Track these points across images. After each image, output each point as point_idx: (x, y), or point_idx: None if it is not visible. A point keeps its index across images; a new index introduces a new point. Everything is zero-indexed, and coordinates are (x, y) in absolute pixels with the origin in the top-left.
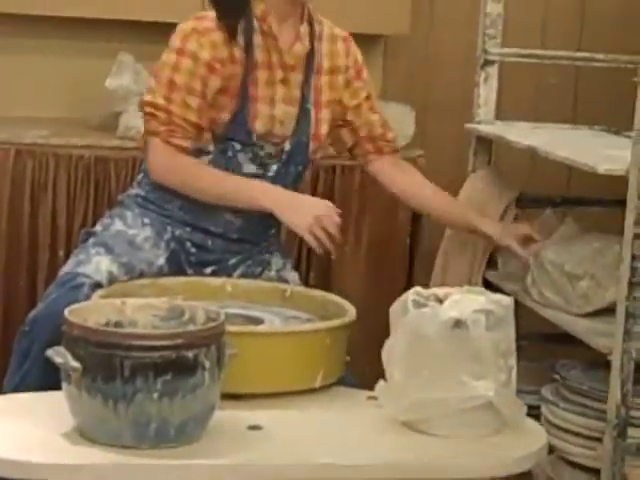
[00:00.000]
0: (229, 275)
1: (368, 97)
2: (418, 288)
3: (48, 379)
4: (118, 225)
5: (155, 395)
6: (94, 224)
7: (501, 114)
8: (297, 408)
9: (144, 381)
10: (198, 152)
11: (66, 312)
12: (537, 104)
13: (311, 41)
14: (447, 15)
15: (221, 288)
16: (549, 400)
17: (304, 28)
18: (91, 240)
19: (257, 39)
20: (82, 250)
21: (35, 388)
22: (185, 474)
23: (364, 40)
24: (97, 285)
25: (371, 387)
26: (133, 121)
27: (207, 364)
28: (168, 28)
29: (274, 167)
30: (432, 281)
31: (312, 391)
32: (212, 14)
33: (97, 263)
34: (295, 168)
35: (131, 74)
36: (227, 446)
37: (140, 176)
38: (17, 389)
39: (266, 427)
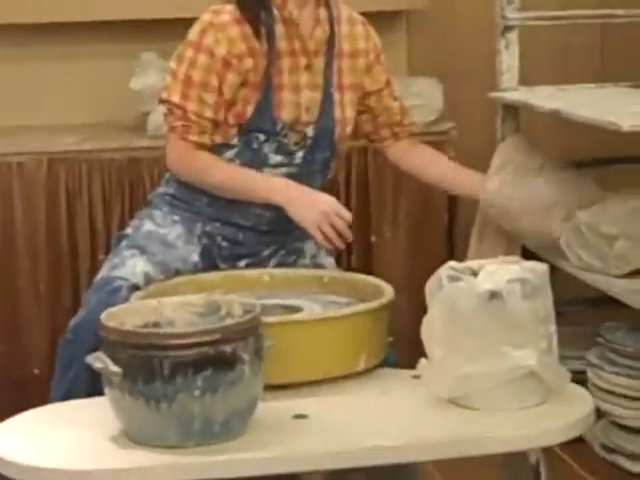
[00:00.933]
0: (264, 266)
1: (388, 82)
2: (452, 262)
3: (96, 385)
4: (148, 225)
5: (196, 392)
6: None
7: (528, 80)
8: (342, 393)
9: (184, 379)
10: (224, 147)
11: (103, 317)
12: (564, 67)
13: (330, 25)
14: None
15: (258, 279)
16: (594, 364)
17: (323, 12)
18: (124, 243)
19: (279, 28)
20: (116, 253)
21: (83, 395)
22: (233, 469)
23: (386, 17)
24: (134, 287)
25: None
26: (162, 119)
27: (246, 357)
28: (190, 24)
29: (299, 154)
30: (468, 254)
31: (356, 375)
32: (229, 7)
33: (132, 265)
34: (321, 155)
35: (156, 72)
36: (274, 437)
37: (168, 174)
38: (65, 398)
39: (312, 415)
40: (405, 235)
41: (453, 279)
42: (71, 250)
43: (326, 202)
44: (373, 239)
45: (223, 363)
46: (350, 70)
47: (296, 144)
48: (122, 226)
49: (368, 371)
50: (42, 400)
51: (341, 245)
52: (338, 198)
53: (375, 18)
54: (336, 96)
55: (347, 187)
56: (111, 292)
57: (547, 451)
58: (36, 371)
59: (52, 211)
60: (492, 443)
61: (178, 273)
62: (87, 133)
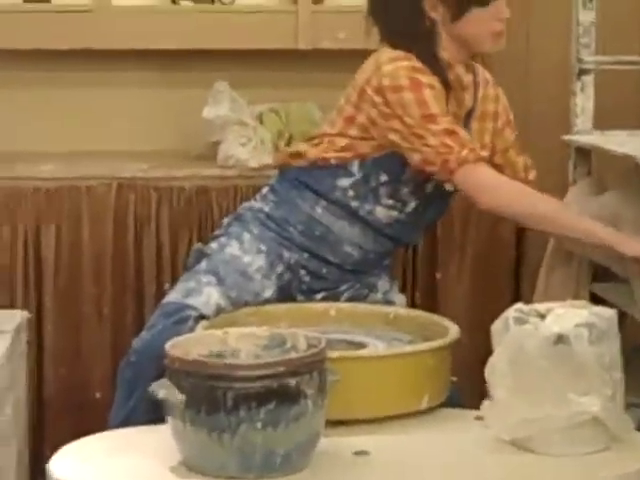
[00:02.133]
0: (337, 299)
1: (515, 140)
2: (519, 304)
3: (157, 410)
4: (234, 248)
5: (259, 425)
6: None
7: (603, 124)
8: (403, 432)
9: (247, 411)
10: (340, 171)
11: (168, 346)
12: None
13: (474, 90)
14: (543, 28)
15: (325, 313)
16: None
17: (468, 77)
18: (203, 264)
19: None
20: (192, 276)
21: (143, 420)
22: None
23: None
24: (202, 317)
25: (480, 407)
26: (232, 149)
27: (310, 391)
28: (262, 55)
29: (412, 204)
30: (535, 296)
31: (418, 414)
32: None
33: (207, 295)
34: (433, 211)
35: (228, 102)
36: (334, 473)
37: (266, 190)
38: (125, 422)
39: (373, 452)
40: (471, 272)
41: (520, 321)
42: (137, 276)
43: None
44: (438, 276)
45: (287, 397)
46: (478, 132)
47: (412, 194)
48: (189, 255)
49: (431, 410)
50: (102, 425)
51: None
52: None
53: None
54: None
55: None
56: (180, 321)
57: None
58: (97, 395)
59: (120, 236)
60: None
61: (246, 304)
62: (157, 160)
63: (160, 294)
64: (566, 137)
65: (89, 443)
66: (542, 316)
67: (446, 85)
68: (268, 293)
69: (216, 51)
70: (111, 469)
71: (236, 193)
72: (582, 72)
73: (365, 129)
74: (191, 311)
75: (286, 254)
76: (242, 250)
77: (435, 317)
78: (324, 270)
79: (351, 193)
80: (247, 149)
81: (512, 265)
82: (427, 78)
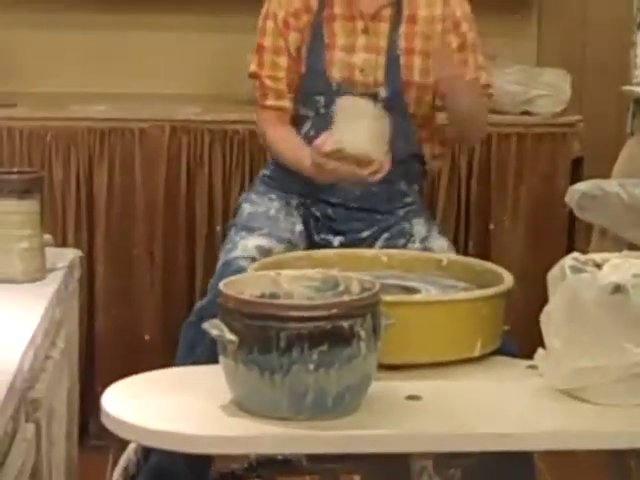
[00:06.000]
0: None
1: (460, 48)
2: (576, 253)
3: None
4: (247, 209)
5: (311, 366)
6: None
7: None
8: (456, 378)
9: (300, 352)
10: (300, 120)
11: (221, 285)
12: None
13: None
14: None
15: (376, 259)
16: None
17: None
18: (232, 231)
19: None
20: (227, 242)
21: None
22: (344, 444)
23: (518, 4)
24: (254, 261)
25: (532, 356)
26: None
27: (363, 334)
28: None
29: None
30: (591, 246)
31: (471, 360)
32: None
33: (244, 245)
34: (396, 119)
35: None
36: (386, 416)
37: (268, 154)
38: None
39: (425, 397)
40: (524, 225)
41: (577, 270)
42: (188, 218)
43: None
44: (492, 227)
45: (340, 339)
46: (424, 36)
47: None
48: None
49: (484, 357)
50: (151, 366)
51: None
52: (459, 185)
53: (506, 6)
54: (403, 59)
55: (469, 174)
56: (234, 272)
57: None
58: (147, 337)
59: (172, 178)
60: (605, 438)
61: (290, 243)
62: (209, 104)
63: (212, 237)
64: (625, 88)
65: (141, 380)
66: (599, 266)
67: None
68: (299, 227)
69: None
70: (163, 406)
71: None
72: None
73: None
74: (240, 261)
75: (293, 201)
76: (255, 205)
77: (489, 265)
78: (330, 211)
79: (313, 132)
80: None
81: (566, 217)
82: (274, 4)
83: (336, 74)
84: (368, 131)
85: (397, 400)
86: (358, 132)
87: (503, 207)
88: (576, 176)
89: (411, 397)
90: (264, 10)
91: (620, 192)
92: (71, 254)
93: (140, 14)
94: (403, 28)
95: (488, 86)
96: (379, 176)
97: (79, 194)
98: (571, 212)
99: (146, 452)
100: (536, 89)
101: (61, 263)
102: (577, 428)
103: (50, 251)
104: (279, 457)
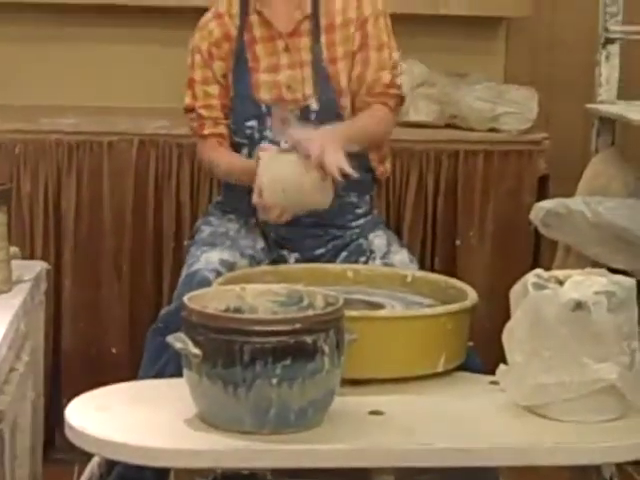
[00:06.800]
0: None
1: (362, 46)
2: (538, 270)
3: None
4: (207, 231)
5: (274, 380)
6: None
7: (628, 94)
8: (419, 393)
9: (263, 366)
10: (239, 146)
11: (185, 299)
12: None
13: (313, 3)
14: None
15: (342, 274)
16: None
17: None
18: (193, 247)
19: (253, 18)
20: (190, 257)
21: None
22: (306, 459)
23: (486, 22)
24: (219, 274)
25: (496, 372)
26: None
27: (326, 349)
28: None
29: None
30: (555, 263)
31: (434, 376)
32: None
33: (206, 258)
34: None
35: None
36: (348, 431)
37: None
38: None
39: (388, 412)
40: (490, 241)
41: (539, 287)
42: (156, 232)
43: None
44: (458, 243)
45: (303, 353)
46: (342, 41)
47: (301, 120)
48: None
49: (447, 373)
50: (118, 379)
51: None
52: (425, 200)
53: (475, 23)
54: (330, 69)
55: (435, 190)
56: (200, 283)
57: (619, 470)
58: (114, 350)
59: (140, 192)
60: (565, 454)
61: (254, 258)
62: (178, 118)
63: (179, 251)
64: (590, 106)
65: (106, 393)
66: (561, 282)
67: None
68: (261, 243)
69: None
70: (127, 419)
71: None
72: (608, 41)
73: None
74: (205, 272)
75: (251, 220)
76: (214, 226)
77: (453, 281)
78: (282, 231)
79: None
80: None
81: (531, 234)
82: (197, 37)
83: (264, 95)
84: (281, 183)
85: (360, 415)
86: (275, 183)
87: (469, 223)
88: (542, 193)
89: (374, 412)
90: (190, 46)
91: (584, 210)
92: (38, 266)
93: (108, 27)
94: (324, 39)
95: (392, 85)
96: (284, 219)
97: (47, 206)
98: (537, 229)
99: (109, 466)
100: (503, 106)
101: (28, 275)
102: (539, 444)
103: (17, 263)
104: (244, 471)
